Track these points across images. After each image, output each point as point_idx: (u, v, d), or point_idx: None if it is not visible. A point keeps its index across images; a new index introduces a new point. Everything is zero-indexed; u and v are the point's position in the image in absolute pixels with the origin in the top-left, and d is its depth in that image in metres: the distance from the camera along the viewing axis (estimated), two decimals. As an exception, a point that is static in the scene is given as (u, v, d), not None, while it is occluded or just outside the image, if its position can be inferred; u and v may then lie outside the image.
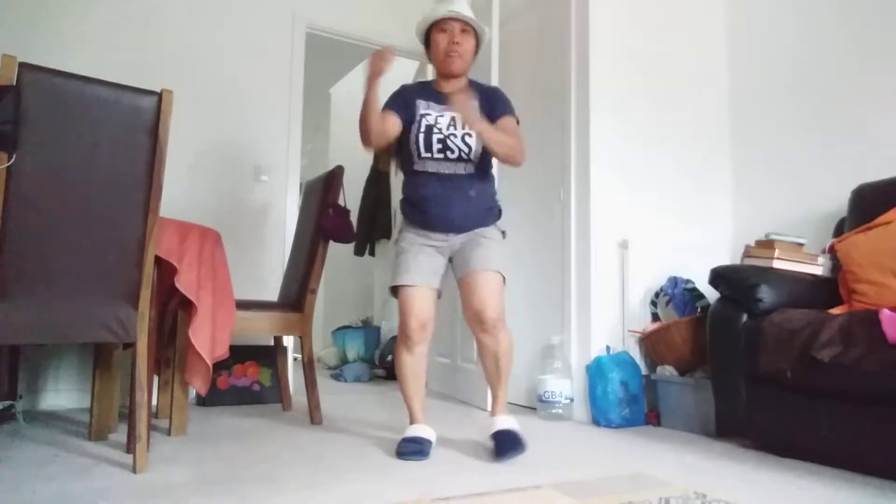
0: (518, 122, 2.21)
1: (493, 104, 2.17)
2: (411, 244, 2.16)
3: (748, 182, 3.17)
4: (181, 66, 3.33)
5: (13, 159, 1.62)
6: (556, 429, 2.58)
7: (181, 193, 3.23)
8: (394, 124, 2.12)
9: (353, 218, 2.71)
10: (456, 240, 2.15)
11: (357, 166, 5.05)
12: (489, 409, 2.22)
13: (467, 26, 2.15)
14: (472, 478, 1.77)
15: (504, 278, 2.13)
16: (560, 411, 2.76)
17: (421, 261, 2.12)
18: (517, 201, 3.29)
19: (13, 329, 1.66)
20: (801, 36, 2.97)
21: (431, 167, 2.12)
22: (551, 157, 3.07)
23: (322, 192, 2.79)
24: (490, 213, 2.21)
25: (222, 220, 3.32)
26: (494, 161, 2.27)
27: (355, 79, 5.98)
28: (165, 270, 2.14)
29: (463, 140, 2.10)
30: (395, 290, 2.15)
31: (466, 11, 2.14)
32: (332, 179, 2.76)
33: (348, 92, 6.10)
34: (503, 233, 2.24)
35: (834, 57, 2.82)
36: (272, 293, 3.34)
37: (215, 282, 2.27)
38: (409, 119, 2.13)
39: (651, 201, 3.00)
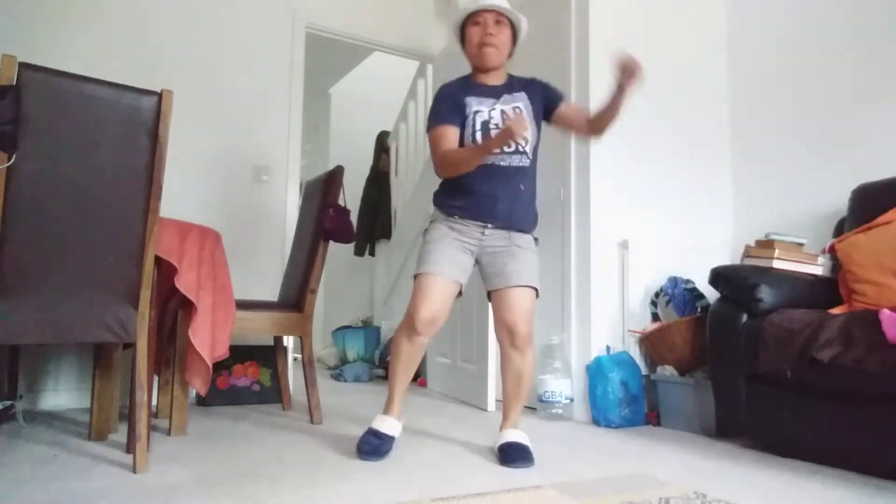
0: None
1: (547, 92, 2.14)
2: (442, 236, 2.08)
3: (748, 182, 3.17)
4: (181, 66, 3.33)
5: (13, 159, 1.62)
6: (556, 429, 2.58)
7: (181, 193, 3.23)
8: (456, 134, 2.06)
9: (353, 218, 2.70)
10: (490, 240, 2.08)
11: (357, 166, 5.05)
12: (500, 424, 2.15)
13: (502, 17, 2.08)
14: (473, 478, 1.77)
15: (538, 291, 2.10)
16: (560, 411, 2.76)
17: (448, 253, 2.05)
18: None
19: (13, 329, 1.66)
20: (801, 36, 2.97)
21: (490, 159, 2.02)
22: (551, 157, 3.07)
23: (322, 192, 2.79)
24: (531, 215, 2.16)
25: (222, 220, 3.33)
26: None
27: (355, 79, 5.98)
28: (165, 270, 2.14)
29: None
30: (416, 277, 2.08)
31: (501, 2, 2.07)
32: (332, 179, 2.76)
33: (348, 92, 6.11)
34: (536, 239, 2.18)
35: (834, 57, 2.82)
36: (272, 293, 3.34)
37: (215, 282, 2.27)
38: (463, 118, 2.06)
39: (651, 201, 3.00)
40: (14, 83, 1.61)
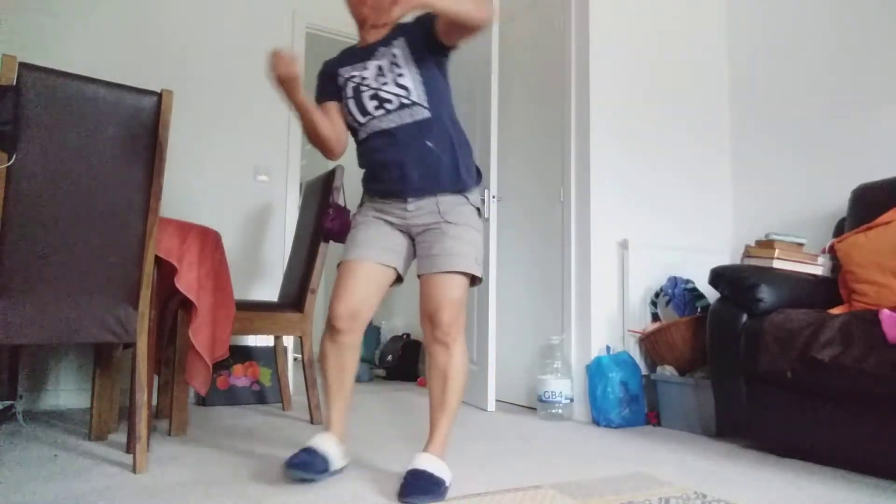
0: None
1: (422, 22, 1.79)
2: (365, 217, 1.85)
3: (748, 182, 3.17)
4: (181, 65, 3.33)
5: (13, 159, 1.62)
6: (556, 429, 2.58)
7: (181, 193, 3.23)
8: (338, 113, 1.85)
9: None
10: (416, 216, 1.79)
11: (357, 166, 5.05)
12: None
13: None
14: (472, 478, 1.77)
15: (476, 278, 1.78)
16: (560, 411, 2.76)
17: (372, 234, 1.80)
18: (517, 201, 3.29)
19: (13, 329, 1.66)
20: (801, 37, 2.97)
21: (376, 126, 1.78)
22: (551, 157, 3.08)
23: (322, 192, 2.80)
24: (458, 174, 1.79)
25: (222, 220, 3.33)
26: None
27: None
28: (165, 270, 2.14)
29: (396, 83, 1.76)
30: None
31: None
32: (332, 179, 2.76)
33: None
34: (478, 210, 1.85)
35: (834, 57, 2.82)
36: (272, 293, 3.35)
37: (215, 282, 2.27)
38: (338, 89, 1.85)
39: (651, 201, 3.00)
40: (14, 83, 1.61)
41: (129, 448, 2.01)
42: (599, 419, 2.64)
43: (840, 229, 2.50)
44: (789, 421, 2.04)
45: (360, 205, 1.92)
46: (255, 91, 3.53)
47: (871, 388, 1.78)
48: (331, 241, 2.74)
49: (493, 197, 3.07)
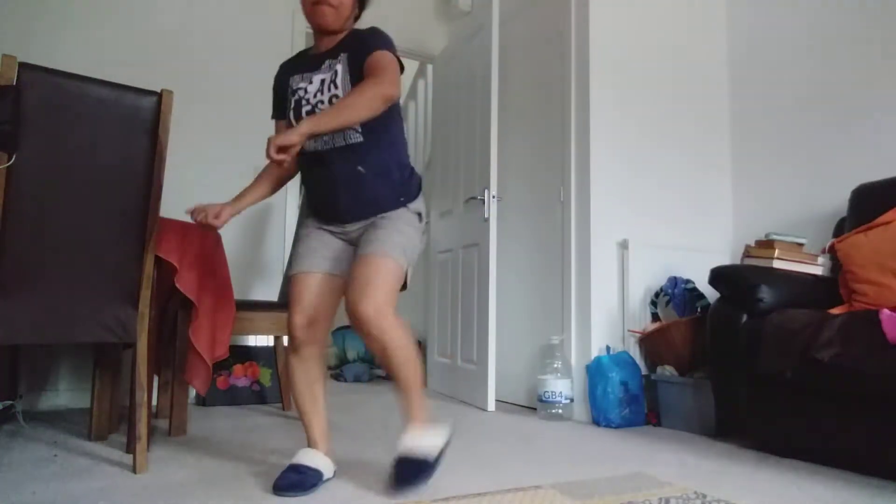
0: (395, 56, 1.74)
1: (364, 46, 1.71)
2: (306, 227, 1.83)
3: (748, 182, 3.17)
4: (181, 65, 3.33)
5: (13, 159, 1.62)
6: (556, 429, 2.58)
7: (181, 193, 3.23)
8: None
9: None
10: (353, 227, 1.77)
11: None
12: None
13: None
14: (472, 478, 1.77)
15: (403, 267, 1.69)
16: (560, 411, 2.76)
17: (312, 245, 1.77)
18: (517, 201, 3.29)
19: (13, 329, 1.66)
20: (802, 36, 2.97)
21: (310, 146, 1.70)
22: (551, 157, 3.08)
23: (322, 192, 2.79)
24: (395, 194, 1.75)
25: (222, 220, 3.32)
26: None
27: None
28: (165, 270, 2.14)
29: (329, 103, 1.68)
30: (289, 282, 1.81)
31: None
32: (332, 179, 2.76)
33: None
34: (419, 215, 1.80)
35: (834, 58, 2.82)
36: (272, 293, 3.34)
37: (215, 282, 2.27)
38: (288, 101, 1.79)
39: (651, 201, 3.00)
40: (14, 83, 1.61)
41: (129, 448, 2.01)
42: (599, 419, 2.64)
43: (840, 229, 2.50)
44: (789, 421, 2.04)
45: (302, 216, 1.87)
46: (254, 91, 3.53)
47: (871, 388, 1.78)
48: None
49: (493, 197, 3.08)
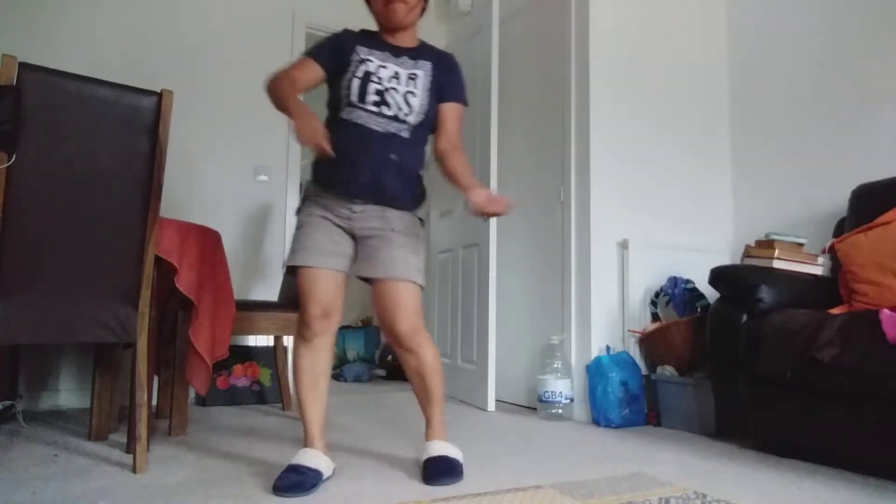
0: (465, 106, 1.93)
1: (448, 83, 1.88)
2: (310, 216, 1.81)
3: (748, 182, 3.17)
4: (181, 65, 3.33)
5: (13, 159, 1.62)
6: (556, 429, 2.58)
7: (181, 193, 3.23)
8: (311, 76, 1.82)
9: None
10: (360, 219, 1.79)
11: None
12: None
13: None
14: (472, 478, 1.77)
15: (422, 286, 1.81)
16: (560, 411, 2.76)
17: (320, 238, 1.77)
18: (517, 201, 3.29)
19: (13, 329, 1.66)
20: (802, 36, 2.97)
21: (360, 118, 1.78)
22: (551, 158, 3.08)
23: (322, 192, 2.79)
24: (409, 190, 1.85)
25: (222, 220, 3.33)
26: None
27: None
28: (165, 270, 2.14)
29: (405, 98, 1.79)
30: (291, 270, 1.80)
31: None
32: (332, 179, 2.76)
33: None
34: (421, 220, 1.90)
35: (834, 58, 2.82)
36: (272, 293, 3.34)
37: (215, 282, 2.27)
38: (341, 65, 1.82)
39: (651, 201, 3.00)
40: (14, 83, 1.61)
41: (129, 448, 2.01)
42: (599, 419, 2.64)
43: (840, 229, 2.50)
44: (789, 421, 2.04)
45: (304, 199, 1.87)
46: (255, 91, 3.52)
47: (871, 388, 1.78)
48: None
49: (493, 197, 3.07)
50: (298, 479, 1.61)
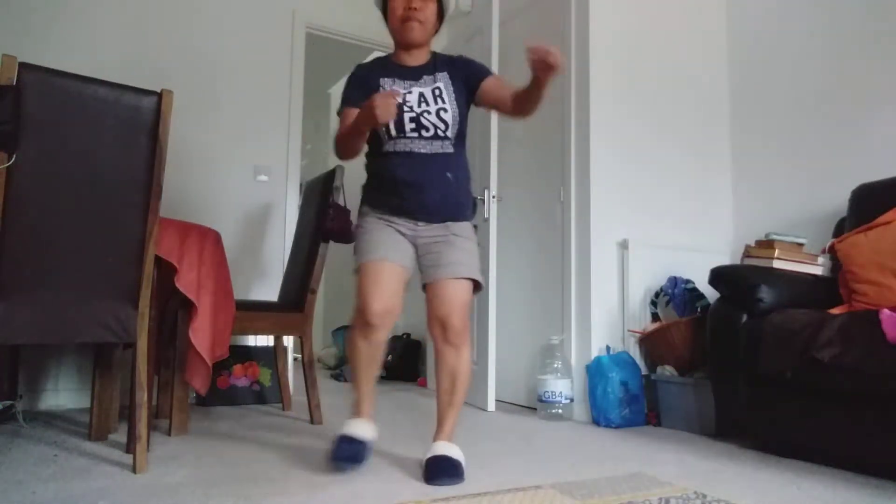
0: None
1: (470, 69, 1.97)
2: (373, 224, 1.91)
3: (748, 182, 3.17)
4: (181, 65, 3.33)
5: (13, 159, 1.62)
6: (556, 429, 2.58)
7: (181, 193, 3.23)
8: None
9: (353, 218, 2.70)
10: (425, 231, 1.90)
11: (357, 166, 5.04)
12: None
13: None
14: (472, 478, 1.77)
15: (479, 283, 1.92)
16: (560, 411, 2.76)
17: (385, 239, 1.87)
18: (517, 201, 3.29)
19: (13, 329, 1.66)
20: (802, 36, 2.97)
21: (404, 147, 1.87)
22: (551, 157, 3.08)
23: (322, 192, 2.80)
24: (466, 204, 1.97)
25: (222, 220, 3.33)
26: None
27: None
28: (165, 270, 2.14)
29: (438, 115, 1.87)
30: (357, 271, 1.89)
31: None
32: (332, 179, 2.76)
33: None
34: (475, 227, 2.03)
35: (834, 58, 2.82)
36: (272, 293, 3.34)
37: (215, 282, 2.27)
38: None
39: (651, 201, 3.00)
40: (14, 83, 1.61)
41: (129, 448, 2.01)
42: (599, 419, 2.64)
43: (840, 229, 2.50)
44: (789, 421, 2.04)
45: (363, 214, 1.98)
46: (255, 91, 3.53)
47: (871, 388, 1.78)
48: (331, 242, 2.74)
49: (493, 197, 3.07)
50: (353, 450, 1.78)
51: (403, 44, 1.96)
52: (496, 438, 2.35)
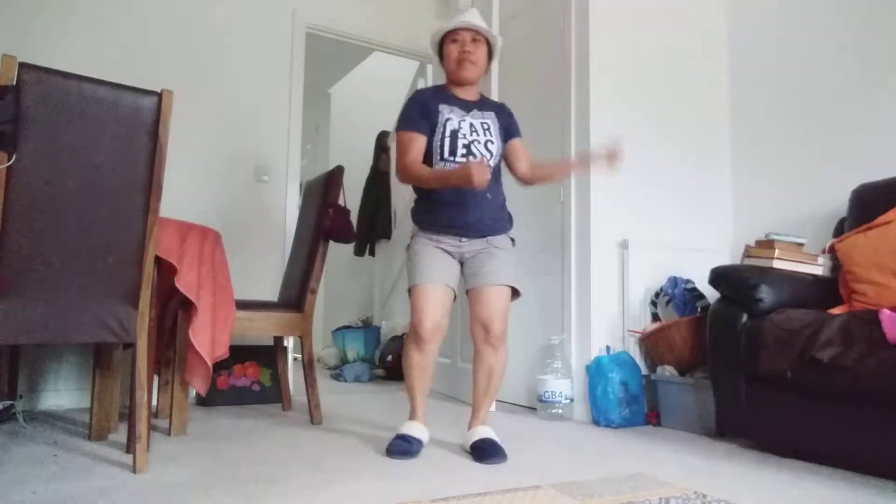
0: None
1: (511, 122, 2.30)
2: (424, 246, 2.18)
3: (748, 182, 3.17)
4: (181, 66, 3.33)
5: (13, 159, 1.62)
6: (556, 429, 2.58)
7: (181, 193, 3.23)
8: (423, 145, 2.17)
9: (353, 218, 2.71)
10: (468, 246, 2.17)
11: (357, 166, 5.05)
12: (468, 422, 2.19)
13: (479, 35, 2.20)
14: (472, 478, 1.77)
15: (517, 290, 2.18)
16: (560, 411, 2.76)
17: (434, 261, 2.15)
18: (517, 201, 3.28)
19: (13, 329, 1.66)
20: (802, 36, 2.97)
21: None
22: (551, 157, 3.07)
23: (322, 192, 2.80)
24: (503, 220, 2.25)
25: (222, 220, 3.33)
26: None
27: (355, 79, 5.99)
28: (165, 270, 2.14)
29: (486, 146, 2.17)
30: (411, 291, 2.17)
31: (478, 22, 2.20)
32: (332, 179, 2.76)
33: (348, 92, 6.11)
34: (512, 240, 2.27)
35: (834, 57, 2.82)
36: (272, 293, 3.34)
37: (215, 282, 2.27)
38: (433, 125, 2.17)
39: (651, 201, 3.00)
40: (14, 83, 1.61)
41: (129, 448, 2.01)
42: (599, 419, 2.64)
43: (840, 229, 2.50)
44: (789, 421, 2.04)
45: (414, 234, 2.26)
46: (255, 91, 3.53)
47: (871, 388, 1.78)
48: (331, 242, 2.74)
49: (493, 197, 3.07)
50: (407, 446, 2.02)
51: (459, 82, 2.23)
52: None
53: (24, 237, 1.67)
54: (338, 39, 3.95)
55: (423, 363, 2.15)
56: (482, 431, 2.09)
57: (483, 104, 2.27)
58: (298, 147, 3.68)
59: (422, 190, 2.23)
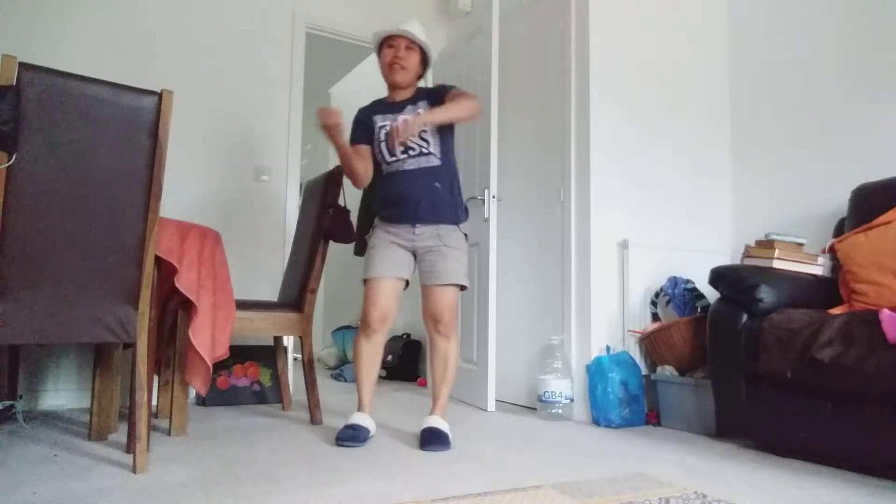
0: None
1: (438, 92, 2.36)
2: (380, 240, 2.35)
3: (748, 182, 3.17)
4: (181, 65, 3.33)
5: (13, 159, 1.62)
6: (556, 429, 2.58)
7: (181, 193, 3.23)
8: (369, 154, 2.36)
9: (353, 218, 2.71)
10: (421, 241, 2.31)
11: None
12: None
13: (413, 44, 2.36)
14: (472, 478, 1.77)
15: (464, 286, 2.35)
16: (560, 411, 2.76)
17: (387, 255, 2.31)
18: (517, 201, 3.29)
19: (13, 329, 1.66)
20: (802, 36, 2.97)
21: (397, 167, 2.31)
22: (551, 158, 3.08)
23: (322, 192, 2.80)
24: (455, 210, 2.35)
25: (222, 220, 3.33)
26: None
27: (355, 79, 5.98)
28: (165, 270, 2.14)
29: (420, 136, 2.28)
30: (364, 283, 2.35)
31: (415, 30, 2.36)
32: (332, 179, 2.76)
33: (348, 92, 6.11)
34: (465, 235, 2.39)
35: (834, 57, 2.82)
36: (272, 293, 3.34)
37: (215, 282, 2.27)
38: (371, 135, 2.36)
39: (651, 201, 3.00)
40: (14, 83, 1.61)
41: (129, 448, 2.01)
42: (599, 419, 2.64)
43: (840, 229, 2.50)
44: (789, 421, 2.04)
45: (373, 228, 2.42)
46: (255, 91, 3.53)
47: (871, 388, 1.78)
48: (331, 242, 2.74)
49: (493, 197, 3.07)
50: (353, 433, 2.16)
51: (391, 84, 2.40)
52: (496, 438, 2.35)
53: (24, 237, 1.67)
54: (338, 39, 3.95)
55: (370, 351, 2.31)
56: (431, 421, 2.23)
57: (417, 97, 2.38)
58: (298, 147, 3.68)
59: (376, 188, 2.39)
